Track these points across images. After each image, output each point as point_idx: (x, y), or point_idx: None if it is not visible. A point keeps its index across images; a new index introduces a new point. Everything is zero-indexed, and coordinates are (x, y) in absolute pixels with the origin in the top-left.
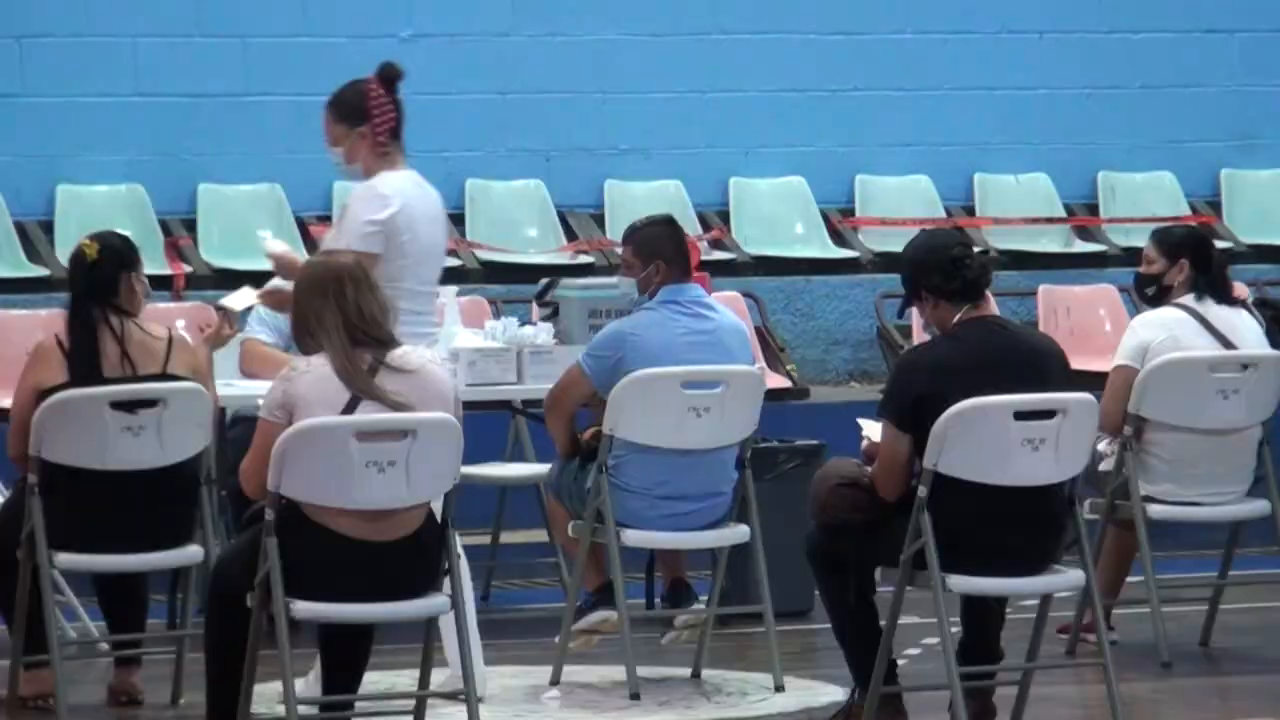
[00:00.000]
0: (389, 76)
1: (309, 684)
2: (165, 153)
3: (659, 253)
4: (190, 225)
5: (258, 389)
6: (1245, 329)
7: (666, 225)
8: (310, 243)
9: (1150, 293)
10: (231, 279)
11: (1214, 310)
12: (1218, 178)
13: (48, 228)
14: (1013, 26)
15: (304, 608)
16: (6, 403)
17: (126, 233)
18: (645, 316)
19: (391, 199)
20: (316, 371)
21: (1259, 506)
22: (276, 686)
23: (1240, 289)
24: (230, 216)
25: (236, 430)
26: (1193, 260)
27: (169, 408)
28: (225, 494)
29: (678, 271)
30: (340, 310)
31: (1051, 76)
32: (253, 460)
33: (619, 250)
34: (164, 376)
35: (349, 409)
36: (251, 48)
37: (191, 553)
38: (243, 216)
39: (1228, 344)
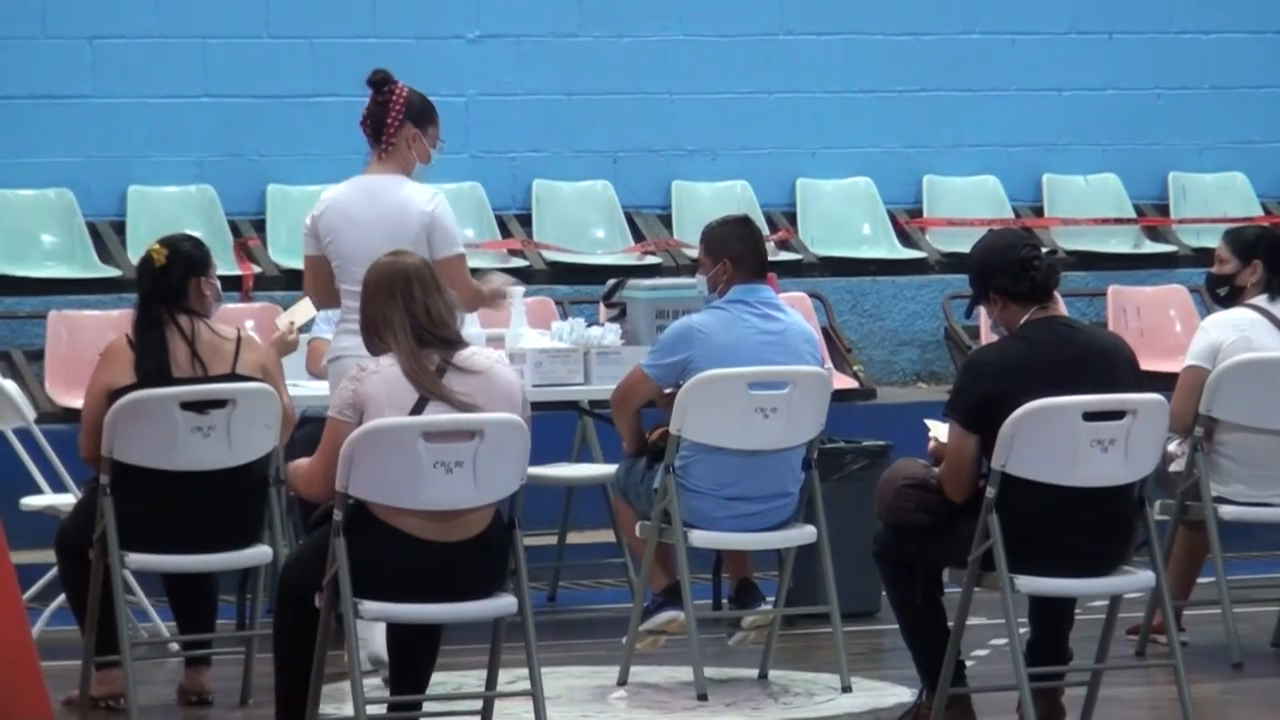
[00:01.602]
0: (369, 81)
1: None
2: (234, 153)
3: (726, 251)
4: (259, 226)
5: (325, 388)
6: None
7: (738, 225)
8: None
9: (1222, 293)
10: (300, 279)
11: None
12: None
13: (119, 228)
14: (1081, 27)
15: (372, 608)
16: (79, 403)
17: (198, 235)
18: (713, 315)
19: (321, 203)
20: (385, 372)
21: None
22: (344, 686)
23: None
24: (299, 217)
25: (304, 430)
26: (1266, 261)
27: (238, 408)
28: (293, 494)
29: (746, 271)
30: (408, 311)
31: (1120, 77)
32: (320, 459)
33: (686, 251)
34: (233, 377)
35: (417, 409)
36: (319, 49)
37: (260, 553)
38: None
39: None
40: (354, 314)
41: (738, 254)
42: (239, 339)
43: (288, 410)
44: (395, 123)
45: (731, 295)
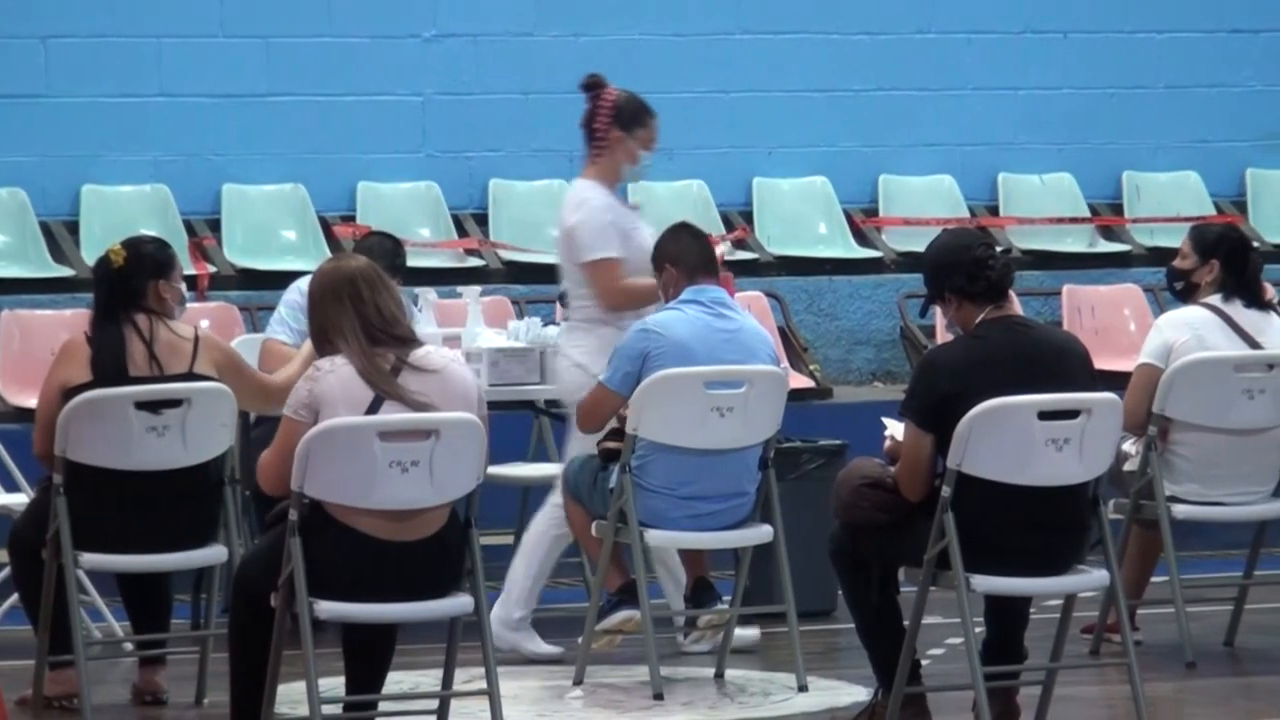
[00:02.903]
0: (582, 85)
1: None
2: (189, 153)
3: (665, 256)
4: (215, 225)
5: None
6: (1272, 331)
7: (673, 229)
8: (334, 243)
9: (1179, 287)
10: (256, 279)
11: (1241, 311)
12: (1243, 177)
13: (73, 228)
14: (1036, 26)
15: (328, 608)
16: (32, 403)
17: (154, 235)
18: (667, 314)
19: None
20: (340, 372)
21: None
22: (300, 686)
23: (1268, 291)
24: (254, 217)
25: (260, 430)
26: (1224, 262)
27: (193, 407)
28: (249, 494)
29: (689, 270)
30: (357, 312)
31: (1075, 76)
32: (273, 456)
33: None
34: (191, 376)
35: (372, 409)
36: (275, 48)
37: (215, 553)
38: (267, 217)
39: (1254, 345)
40: (582, 312)
41: (675, 255)
42: (197, 338)
43: (268, 385)
44: (603, 127)
45: (683, 297)
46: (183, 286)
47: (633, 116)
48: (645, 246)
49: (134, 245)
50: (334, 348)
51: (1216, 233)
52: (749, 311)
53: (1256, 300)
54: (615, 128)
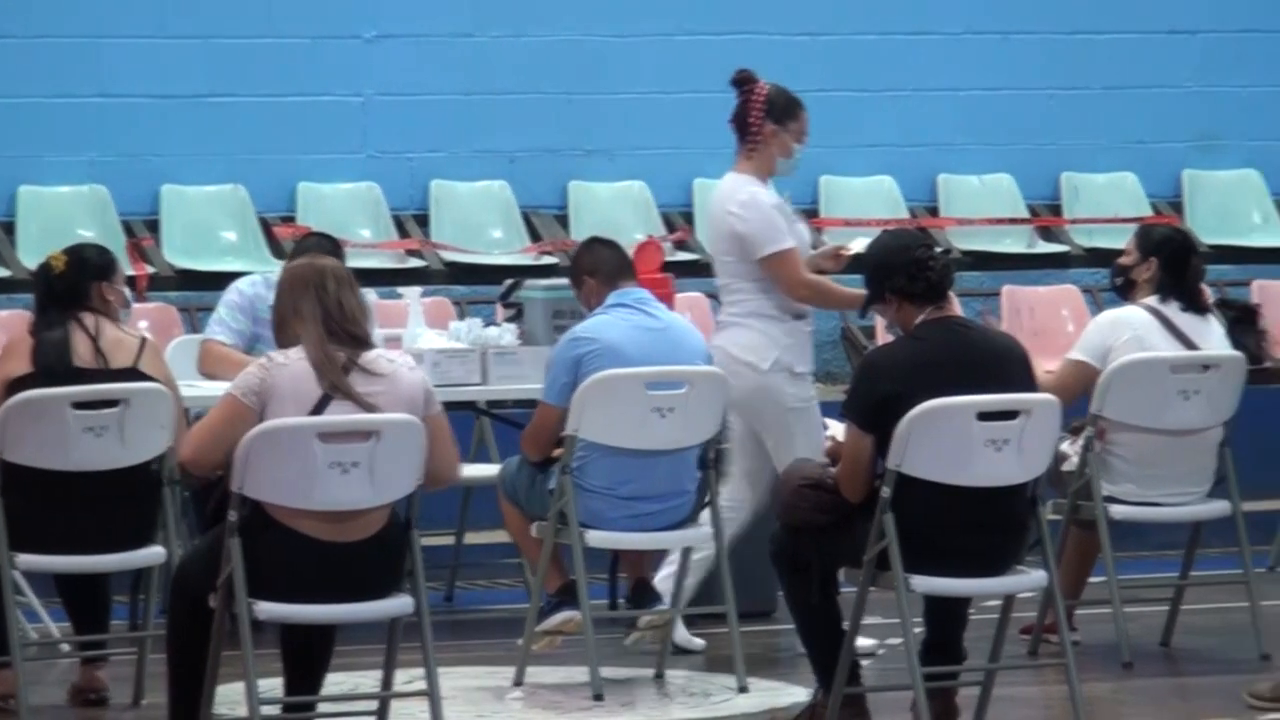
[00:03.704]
0: (733, 80)
1: None
2: (128, 154)
3: (581, 269)
4: (153, 226)
5: (218, 390)
6: (1209, 333)
7: (589, 242)
8: (274, 244)
9: (1119, 283)
10: (195, 280)
11: (1178, 314)
12: (1180, 178)
13: (9, 229)
14: (976, 27)
15: (267, 608)
16: None
17: (91, 235)
18: (594, 320)
19: None
20: (293, 366)
21: (1219, 507)
22: (239, 687)
23: (1206, 295)
24: (194, 217)
25: None
26: (1163, 262)
27: (131, 407)
28: (188, 495)
29: (606, 276)
30: (319, 302)
31: (1015, 77)
32: (204, 430)
33: None
34: (135, 373)
35: (319, 408)
36: (215, 49)
37: (153, 553)
38: (206, 217)
39: (1190, 346)
40: (742, 306)
41: (592, 266)
42: (144, 340)
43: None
44: (757, 121)
45: (608, 302)
46: (126, 291)
47: (785, 109)
48: (805, 239)
49: (75, 251)
50: (292, 337)
51: (1162, 233)
52: (688, 313)
53: (1194, 304)
54: (769, 121)
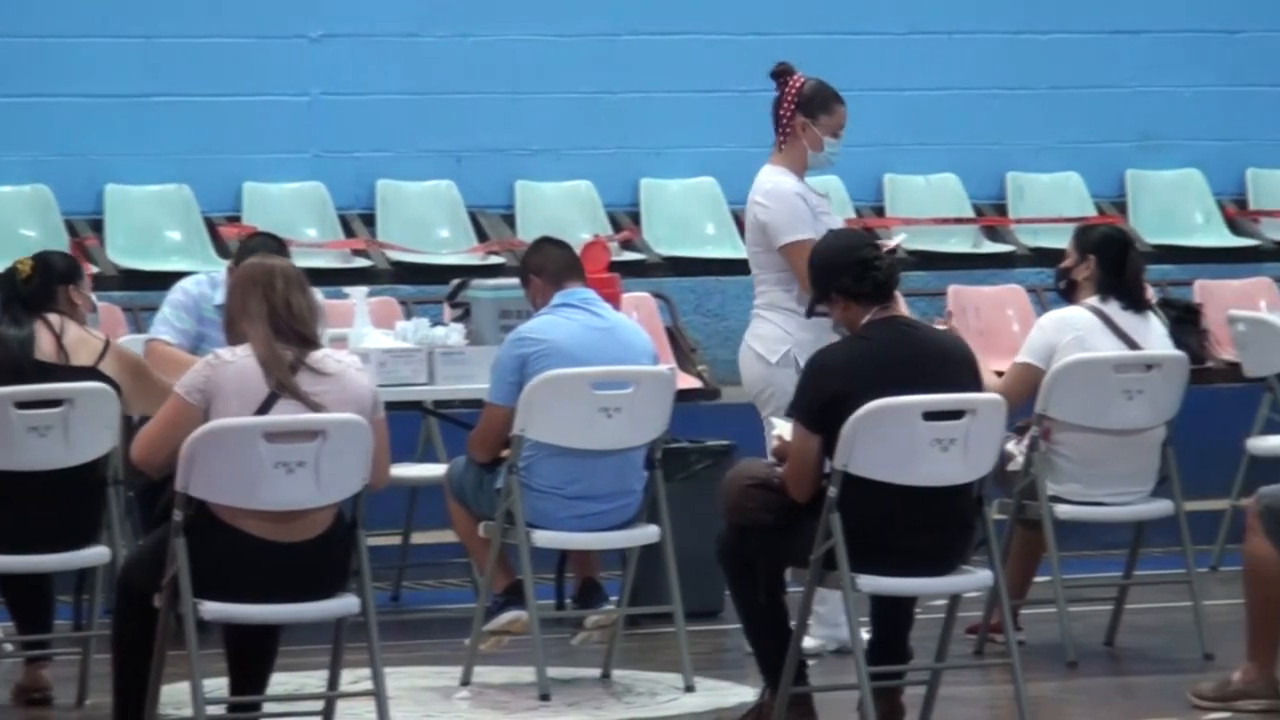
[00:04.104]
0: (772, 73)
1: None
2: (71, 153)
3: (529, 268)
4: (97, 226)
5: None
6: (1151, 333)
7: (538, 242)
8: (219, 243)
9: (1062, 286)
10: (139, 280)
11: (1119, 313)
12: (1123, 178)
13: None
14: (921, 27)
15: (212, 608)
16: None
17: (33, 234)
18: (540, 320)
19: None
20: (240, 364)
21: (1162, 506)
22: (184, 687)
23: (1149, 293)
24: (137, 217)
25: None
26: (1100, 260)
27: (76, 407)
28: (132, 495)
29: (553, 275)
30: (267, 300)
31: (960, 77)
32: (153, 430)
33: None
34: (95, 373)
35: (265, 406)
36: (159, 48)
37: (98, 553)
38: (150, 217)
39: (1133, 346)
40: (764, 297)
41: (539, 265)
42: (108, 342)
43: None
44: (787, 113)
45: (554, 302)
46: (93, 297)
47: (817, 103)
48: None
49: (41, 257)
50: (240, 335)
51: (1098, 232)
52: (635, 313)
53: (1135, 302)
54: (800, 114)
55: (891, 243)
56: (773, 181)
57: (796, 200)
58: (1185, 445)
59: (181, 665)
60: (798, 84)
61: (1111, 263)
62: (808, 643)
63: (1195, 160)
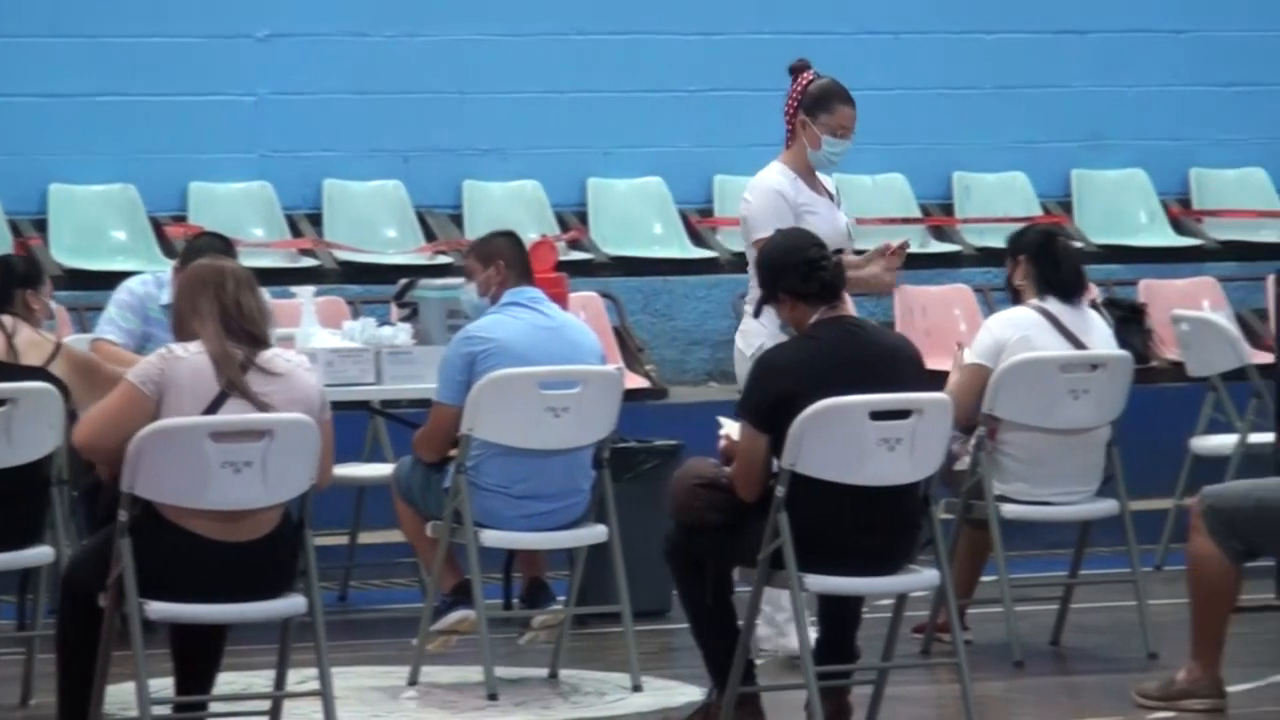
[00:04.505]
0: (789, 69)
1: None
2: (16, 152)
3: (500, 255)
4: (41, 226)
5: None
6: (1095, 330)
7: (507, 234)
8: (165, 243)
9: (1010, 296)
10: (84, 279)
11: (1065, 311)
12: (1069, 178)
13: None
14: (869, 27)
15: (158, 608)
16: None
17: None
18: (488, 319)
19: None
20: (193, 360)
21: (1107, 506)
22: (129, 687)
23: (1090, 290)
24: (82, 217)
25: None
26: (1031, 259)
27: (19, 407)
28: (77, 494)
29: (517, 275)
30: (218, 300)
31: (907, 77)
32: (100, 414)
33: None
34: (44, 374)
35: (215, 405)
36: (105, 48)
37: (42, 553)
38: (96, 217)
39: (1078, 344)
40: (749, 292)
41: (511, 258)
42: (59, 344)
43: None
44: (791, 110)
45: (504, 299)
46: (51, 304)
47: (817, 101)
48: (821, 231)
49: (4, 260)
50: (190, 335)
51: (1023, 233)
52: (582, 313)
53: (1073, 297)
54: (802, 111)
55: (896, 243)
56: (760, 177)
57: (775, 198)
58: (1130, 445)
59: (127, 665)
60: (805, 81)
61: (1042, 258)
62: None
63: (1140, 160)
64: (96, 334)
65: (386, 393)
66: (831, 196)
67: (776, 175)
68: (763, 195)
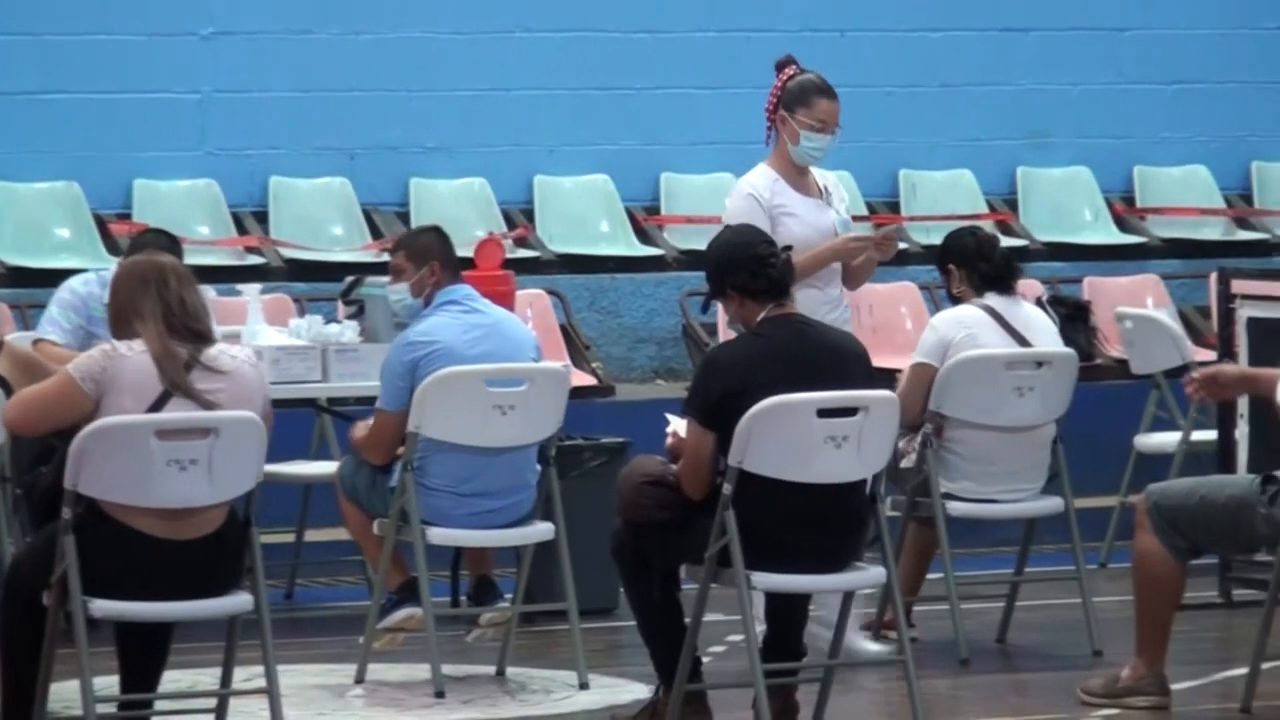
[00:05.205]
0: (776, 65)
1: None
2: None
3: (435, 254)
4: None
5: None
6: (1040, 327)
7: (437, 231)
8: (109, 241)
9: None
10: (27, 278)
11: (1009, 307)
12: (1014, 175)
13: None
14: (814, 25)
15: (103, 606)
16: None
17: None
18: (426, 323)
19: None
20: (136, 359)
21: (1053, 504)
22: (74, 685)
23: (1035, 287)
24: (25, 215)
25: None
26: (960, 264)
27: None
28: (20, 492)
29: (450, 274)
30: (160, 298)
31: (852, 75)
32: (37, 398)
33: None
34: None
35: (158, 404)
36: (48, 45)
37: None
38: (39, 214)
39: (1024, 342)
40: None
41: (445, 257)
42: (0, 342)
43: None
44: (771, 107)
45: (437, 300)
46: (4, 308)
47: (796, 96)
48: (796, 234)
49: None
50: (130, 334)
51: (942, 244)
52: (529, 310)
53: (1008, 283)
54: (781, 107)
55: (879, 232)
56: (741, 180)
57: (748, 202)
58: (1075, 442)
59: (71, 663)
60: (785, 77)
61: (970, 260)
62: (872, 646)
63: (1084, 158)
64: (38, 334)
65: (333, 390)
66: (824, 193)
67: (756, 178)
68: (736, 199)
